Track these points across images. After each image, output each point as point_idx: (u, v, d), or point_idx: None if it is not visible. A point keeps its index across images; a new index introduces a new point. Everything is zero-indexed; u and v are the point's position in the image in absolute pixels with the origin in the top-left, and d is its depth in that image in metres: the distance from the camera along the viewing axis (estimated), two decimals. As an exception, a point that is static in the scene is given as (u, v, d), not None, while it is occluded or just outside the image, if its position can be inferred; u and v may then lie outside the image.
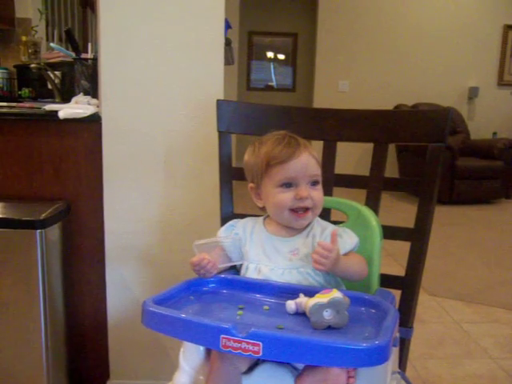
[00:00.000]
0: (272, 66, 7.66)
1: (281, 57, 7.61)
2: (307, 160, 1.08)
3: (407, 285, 1.22)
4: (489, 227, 4.63)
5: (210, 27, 1.58)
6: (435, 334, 2.38)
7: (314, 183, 1.10)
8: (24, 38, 3.35)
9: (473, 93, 6.70)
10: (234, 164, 1.39)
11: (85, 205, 1.66)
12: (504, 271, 3.35)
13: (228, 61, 2.09)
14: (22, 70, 2.88)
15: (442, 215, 4.72)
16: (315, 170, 1.10)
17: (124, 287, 1.68)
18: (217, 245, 1.13)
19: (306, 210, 1.08)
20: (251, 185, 1.15)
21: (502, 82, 6.74)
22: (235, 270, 1.17)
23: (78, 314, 1.71)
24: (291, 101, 7.25)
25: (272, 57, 7.61)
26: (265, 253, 1.11)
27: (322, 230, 1.12)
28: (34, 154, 1.61)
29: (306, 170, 1.08)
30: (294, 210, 1.08)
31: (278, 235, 1.12)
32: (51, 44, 2.66)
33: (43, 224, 1.45)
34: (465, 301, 2.79)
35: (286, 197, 1.07)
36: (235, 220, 1.20)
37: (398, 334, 1.02)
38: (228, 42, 2.04)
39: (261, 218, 1.18)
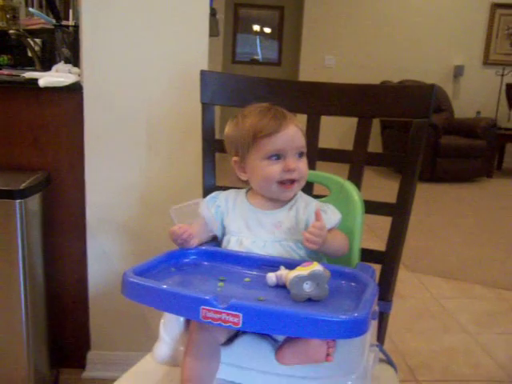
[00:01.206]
0: (258, 40, 7.57)
1: (267, 30, 7.53)
2: (294, 132, 1.08)
3: (387, 259, 1.23)
4: (469, 205, 4.70)
5: (194, -4, 1.55)
6: (414, 308, 2.42)
7: (301, 155, 1.10)
8: (1, 2, 3.23)
9: (458, 71, 6.71)
10: (218, 136, 1.38)
11: (66, 175, 1.63)
12: (482, 248, 3.40)
13: (213, 32, 2.05)
14: (0, 36, 2.79)
15: (424, 192, 4.77)
16: (302, 141, 1.10)
17: (105, 258, 1.67)
18: (195, 208, 1.12)
19: (293, 181, 1.08)
20: (235, 158, 1.14)
21: (487, 62, 6.76)
22: (216, 242, 1.16)
23: (58, 286, 1.70)
24: (277, 75, 7.20)
25: (258, 30, 7.52)
26: (247, 225, 1.11)
27: (305, 205, 1.12)
28: (13, 122, 1.58)
29: (293, 141, 1.07)
30: (281, 182, 1.08)
31: (262, 208, 1.12)
32: (30, 9, 2.58)
33: (23, 194, 1.43)
34: (443, 277, 2.84)
35: (275, 169, 1.07)
36: (217, 192, 1.19)
37: (377, 308, 1.03)
38: (213, 12, 2.00)
39: (243, 191, 1.17)
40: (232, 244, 1.10)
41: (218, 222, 1.14)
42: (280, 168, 1.07)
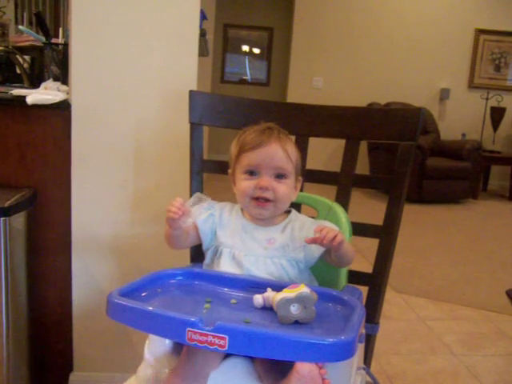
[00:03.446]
0: (247, 60, 7.63)
1: (256, 51, 7.59)
2: (274, 151, 1.08)
3: (374, 281, 1.23)
4: (455, 226, 4.72)
5: (185, 16, 1.56)
6: (400, 330, 2.42)
7: (280, 176, 1.09)
8: (-9, 20, 3.23)
9: (444, 94, 6.81)
10: (206, 156, 1.38)
11: (52, 193, 1.62)
12: (468, 270, 3.42)
13: (202, 52, 2.07)
14: (-11, 53, 2.78)
15: (411, 214, 4.79)
16: (282, 162, 1.09)
17: (90, 278, 1.65)
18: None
19: (268, 201, 1.08)
20: (229, 170, 1.17)
21: (472, 85, 6.87)
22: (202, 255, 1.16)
23: (41, 305, 1.67)
24: (265, 95, 7.24)
25: (247, 50, 7.58)
26: (240, 238, 1.10)
27: (301, 224, 1.12)
28: (-1, 139, 1.57)
29: (271, 160, 1.08)
30: (255, 198, 1.08)
31: (256, 223, 1.12)
32: (20, 27, 2.58)
33: (7, 212, 1.41)
34: (430, 298, 2.84)
35: (248, 184, 1.08)
36: (213, 202, 1.19)
37: (363, 331, 1.03)
38: (203, 33, 2.02)
39: (238, 205, 1.17)
40: (225, 256, 1.10)
41: (207, 230, 1.14)
42: (254, 184, 1.08)
